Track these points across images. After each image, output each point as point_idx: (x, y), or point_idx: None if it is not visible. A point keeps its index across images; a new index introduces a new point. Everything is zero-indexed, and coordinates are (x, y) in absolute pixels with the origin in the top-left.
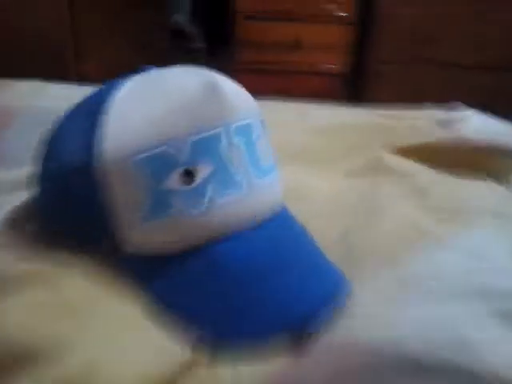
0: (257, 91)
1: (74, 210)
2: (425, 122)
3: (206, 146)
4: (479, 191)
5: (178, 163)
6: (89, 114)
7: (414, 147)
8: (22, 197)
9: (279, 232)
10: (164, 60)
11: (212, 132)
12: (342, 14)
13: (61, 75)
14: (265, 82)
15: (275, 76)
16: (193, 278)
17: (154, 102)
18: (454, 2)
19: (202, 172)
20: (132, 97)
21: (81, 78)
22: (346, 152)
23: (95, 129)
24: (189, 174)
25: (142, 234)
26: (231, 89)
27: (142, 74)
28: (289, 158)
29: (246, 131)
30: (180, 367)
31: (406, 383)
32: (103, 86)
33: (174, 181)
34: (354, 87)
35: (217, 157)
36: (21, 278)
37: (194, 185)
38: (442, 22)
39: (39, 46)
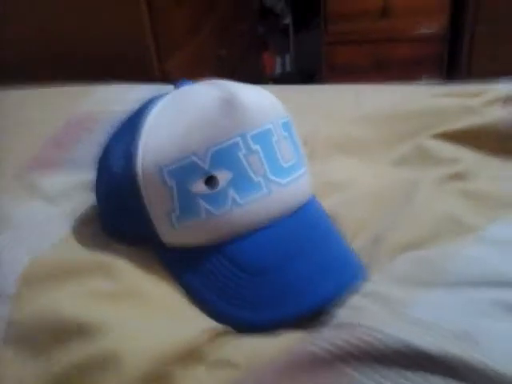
0: (350, 61)
1: (123, 214)
2: (479, 101)
3: (224, 155)
4: None
5: (201, 171)
6: (129, 132)
7: (460, 130)
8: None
9: (299, 226)
10: (252, 44)
11: (229, 142)
12: None
13: (146, 75)
14: (357, 52)
15: (367, 45)
16: (215, 273)
17: (179, 120)
18: None
19: (224, 177)
20: (161, 117)
21: (164, 77)
22: (395, 141)
23: (134, 146)
24: (212, 180)
25: (178, 232)
26: (249, 99)
27: (170, 93)
28: (338, 149)
29: (264, 137)
30: (206, 337)
31: (406, 374)
32: (140, 106)
33: (199, 186)
34: (451, 51)
35: (236, 163)
36: (88, 268)
37: (217, 189)
38: None
39: (123, 49)
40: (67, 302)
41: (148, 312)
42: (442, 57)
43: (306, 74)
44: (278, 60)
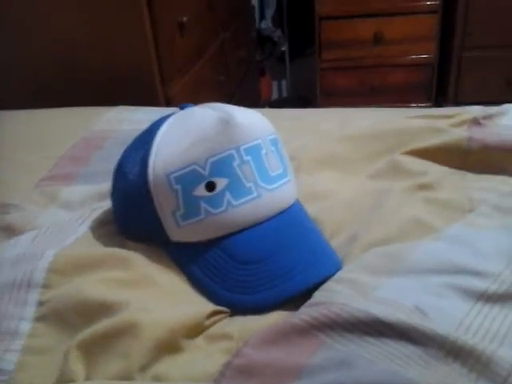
0: (343, 87)
1: (136, 214)
2: (447, 123)
3: (221, 164)
4: (485, 184)
5: (202, 178)
6: (142, 146)
7: (428, 148)
8: (107, 204)
9: (285, 224)
10: (250, 70)
11: (225, 154)
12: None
13: (151, 99)
14: (351, 77)
15: (360, 71)
16: (213, 263)
17: (183, 136)
18: None
19: (221, 183)
20: (169, 133)
21: (168, 101)
22: (371, 157)
23: (146, 157)
24: (211, 185)
25: (182, 230)
26: (242, 118)
27: (176, 114)
28: (322, 164)
29: (254, 150)
30: (205, 315)
31: (367, 338)
32: (151, 124)
33: (200, 190)
34: (440, 77)
35: (231, 171)
36: (106, 260)
37: (215, 192)
38: None
39: (130, 75)
40: (90, 286)
41: (159, 295)
42: (430, 82)
43: (301, 98)
44: (275, 85)
